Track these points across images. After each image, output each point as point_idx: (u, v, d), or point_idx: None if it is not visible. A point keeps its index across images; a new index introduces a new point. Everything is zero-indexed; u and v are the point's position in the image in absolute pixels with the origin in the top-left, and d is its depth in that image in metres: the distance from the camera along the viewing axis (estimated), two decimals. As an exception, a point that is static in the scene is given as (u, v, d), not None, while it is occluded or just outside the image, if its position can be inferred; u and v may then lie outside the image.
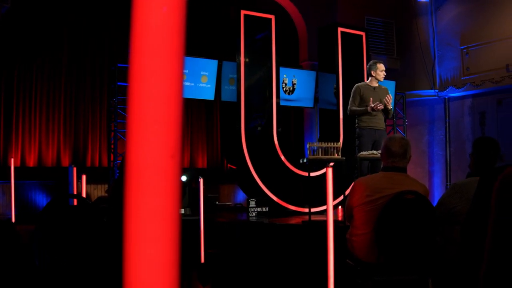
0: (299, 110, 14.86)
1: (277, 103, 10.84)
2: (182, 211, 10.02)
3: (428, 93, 14.51)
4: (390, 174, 4.87)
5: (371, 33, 13.82)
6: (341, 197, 10.08)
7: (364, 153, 8.48)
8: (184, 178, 10.15)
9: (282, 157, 10.69)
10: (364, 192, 4.79)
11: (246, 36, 10.62)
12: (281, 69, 11.47)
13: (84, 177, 8.60)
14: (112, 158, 11.87)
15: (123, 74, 11.57)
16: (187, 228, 9.15)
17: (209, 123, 15.33)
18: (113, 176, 11.62)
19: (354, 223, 4.97)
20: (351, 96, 9.11)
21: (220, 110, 15.32)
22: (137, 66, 0.91)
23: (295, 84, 12.80)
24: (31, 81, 12.95)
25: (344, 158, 8.67)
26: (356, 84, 9.24)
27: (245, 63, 10.53)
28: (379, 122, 8.95)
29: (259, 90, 10.76)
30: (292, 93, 12.79)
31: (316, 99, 13.13)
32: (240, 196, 13.61)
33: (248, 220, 9.27)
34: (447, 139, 14.39)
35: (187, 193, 10.25)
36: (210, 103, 14.46)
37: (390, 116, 9.22)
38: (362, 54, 12.15)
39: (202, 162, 15.17)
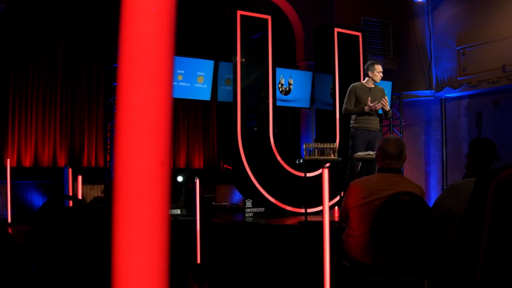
0: (296, 110, 14.85)
1: (274, 104, 10.83)
2: (178, 211, 10.01)
3: (425, 93, 14.51)
4: (386, 175, 4.86)
5: (367, 34, 13.82)
6: (337, 198, 10.06)
7: (360, 153, 8.47)
8: (180, 178, 10.14)
9: (279, 158, 10.68)
10: (360, 193, 4.79)
11: (243, 37, 10.61)
12: (278, 70, 11.47)
13: (80, 178, 8.58)
14: (108, 159, 11.86)
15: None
16: (183, 228, 9.14)
17: (206, 123, 15.32)
18: (109, 177, 11.61)
19: (350, 225, 4.96)
20: (347, 95, 9.08)
21: (216, 111, 15.31)
22: (126, 69, 0.90)
23: (291, 84, 12.79)
24: (27, 81, 12.93)
25: (340, 158, 8.66)
26: (352, 84, 9.21)
27: (242, 63, 10.52)
28: (374, 123, 8.94)
29: (256, 90, 10.75)
30: (288, 93, 12.78)
31: (312, 100, 13.13)
32: (237, 196, 13.59)
33: (244, 220, 9.26)
34: (444, 140, 14.39)
35: (183, 194, 10.24)
36: (206, 104, 14.44)
37: (389, 116, 9.20)
38: (359, 54, 12.15)
39: (198, 162, 15.16)
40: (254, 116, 10.67)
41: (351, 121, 9.03)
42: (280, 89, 12.53)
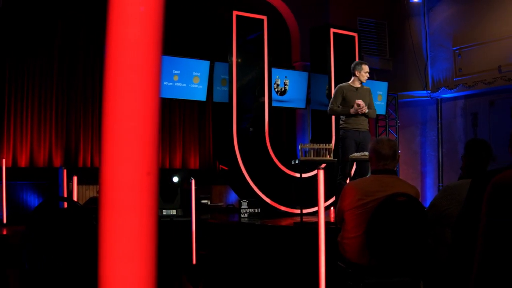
0: (291, 111, 14.84)
1: (269, 104, 10.83)
2: (174, 212, 10.00)
3: (421, 94, 14.52)
4: (381, 177, 4.86)
5: (363, 34, 13.82)
6: (333, 199, 10.07)
7: (356, 154, 8.46)
8: (176, 179, 10.13)
9: (274, 158, 10.67)
10: (355, 196, 4.79)
11: (238, 37, 10.61)
12: (273, 70, 11.45)
13: (75, 178, 8.57)
14: (104, 159, 11.82)
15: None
16: (179, 229, 9.14)
17: (201, 124, 15.30)
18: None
19: (345, 227, 4.96)
20: (333, 96, 9.05)
21: (212, 111, 15.29)
22: (112, 73, 0.89)
23: (287, 85, 12.78)
24: (23, 81, 12.89)
25: (336, 159, 8.65)
26: (339, 85, 9.20)
27: (237, 64, 10.52)
28: (363, 123, 8.91)
29: (251, 91, 10.75)
30: (284, 94, 12.77)
31: (308, 100, 13.12)
32: (232, 197, 13.58)
33: (240, 221, 9.25)
34: (440, 140, 14.40)
35: (179, 194, 10.23)
36: (202, 104, 14.42)
37: (372, 116, 9.16)
38: (355, 55, 12.15)
39: (194, 163, 15.14)
40: (249, 116, 10.66)
41: (341, 122, 9.01)
42: (276, 90, 12.52)
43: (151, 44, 0.92)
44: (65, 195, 9.07)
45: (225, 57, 10.71)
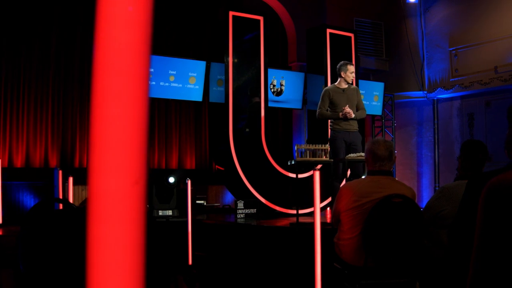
0: (288, 111, 14.85)
1: (266, 105, 10.81)
2: (170, 212, 9.99)
3: (417, 94, 14.53)
4: (377, 178, 4.86)
5: (360, 34, 13.81)
6: (329, 199, 10.06)
7: (352, 155, 8.46)
8: (172, 179, 10.11)
9: (270, 159, 10.66)
10: (351, 197, 4.78)
11: (235, 37, 10.59)
12: (270, 70, 11.44)
13: (71, 179, 8.55)
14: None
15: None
16: (175, 229, 9.12)
17: (197, 124, 15.29)
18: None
19: (341, 228, 4.96)
20: (320, 99, 9.05)
21: (208, 111, 15.28)
22: (100, 74, 0.87)
23: (283, 85, 12.77)
24: (19, 81, 12.86)
25: (332, 160, 8.65)
26: (325, 88, 9.22)
27: (234, 64, 10.50)
28: (353, 124, 8.92)
29: (248, 91, 10.74)
30: (280, 94, 12.76)
31: (304, 101, 13.11)
32: (228, 197, 13.58)
33: (236, 222, 9.24)
34: (436, 141, 14.41)
35: (175, 195, 10.21)
36: (198, 104, 14.41)
37: (361, 117, 9.16)
38: (351, 55, 12.14)
39: (190, 163, 15.13)
40: (246, 117, 10.65)
41: (331, 124, 9.03)
42: (272, 90, 12.50)
43: (140, 45, 0.91)
44: (61, 196, 9.04)
45: (222, 57, 10.69)
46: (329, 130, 10.95)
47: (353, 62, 11.87)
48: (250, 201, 9.89)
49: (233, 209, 10.22)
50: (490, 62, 12.66)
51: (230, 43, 10.51)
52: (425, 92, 14.29)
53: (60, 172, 9.26)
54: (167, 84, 11.12)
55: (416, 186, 14.62)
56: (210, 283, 8.33)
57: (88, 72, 13.60)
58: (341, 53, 11.90)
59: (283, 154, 14.01)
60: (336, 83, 9.12)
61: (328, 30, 11.82)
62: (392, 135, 14.82)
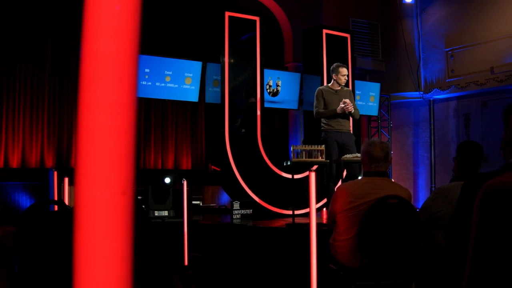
0: (284, 112, 14.85)
1: (262, 105, 10.80)
2: (166, 213, 9.97)
3: (413, 95, 14.53)
4: (373, 179, 4.85)
5: (356, 35, 13.81)
6: (325, 200, 10.05)
7: (348, 156, 8.46)
8: (168, 180, 10.10)
9: (266, 159, 10.65)
10: (347, 198, 4.78)
11: (231, 38, 10.57)
12: (266, 71, 11.42)
13: (66, 180, 8.53)
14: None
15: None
16: (171, 230, 9.11)
17: (194, 124, 15.29)
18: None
19: (337, 229, 4.95)
20: (315, 99, 9.06)
21: (204, 112, 15.28)
22: (87, 76, 0.86)
23: (279, 86, 12.75)
24: (15, 81, 12.86)
25: (328, 161, 8.64)
26: (318, 88, 9.23)
27: (230, 64, 10.48)
28: (345, 124, 8.93)
29: (243, 92, 10.72)
30: (276, 95, 12.74)
31: (300, 101, 13.09)
32: (224, 197, 13.57)
33: (232, 222, 9.22)
34: (432, 141, 14.41)
35: (171, 195, 10.20)
36: (194, 105, 14.43)
37: (357, 117, 9.15)
38: (347, 56, 12.11)
39: (186, 163, 15.13)
40: (241, 117, 10.64)
41: (322, 124, 9.02)
42: (268, 91, 12.49)
43: (128, 44, 0.89)
44: (56, 197, 9.02)
45: (218, 58, 10.67)
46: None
47: (349, 62, 11.86)
48: (246, 201, 9.87)
49: (229, 210, 10.20)
50: (486, 63, 12.66)
51: (226, 44, 10.49)
52: (421, 92, 14.29)
53: (55, 173, 9.23)
54: (163, 84, 11.10)
55: (412, 186, 14.62)
56: (206, 284, 8.32)
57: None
58: (338, 54, 11.89)
59: (279, 154, 14.01)
60: (329, 84, 9.15)
61: (324, 31, 11.80)
62: (388, 135, 14.82)
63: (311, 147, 8.47)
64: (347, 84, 9.50)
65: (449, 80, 13.68)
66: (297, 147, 8.53)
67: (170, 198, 10.17)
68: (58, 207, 5.51)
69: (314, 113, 9.05)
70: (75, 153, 13.19)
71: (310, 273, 5.47)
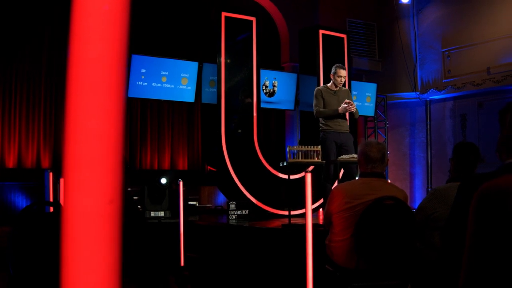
0: (280, 112, 14.84)
1: (258, 105, 10.79)
2: (162, 213, 9.96)
3: (410, 95, 14.53)
4: (369, 180, 4.85)
5: (352, 35, 13.81)
6: (321, 200, 10.04)
7: (344, 156, 8.45)
8: (164, 180, 10.08)
9: (263, 160, 10.64)
10: (343, 199, 4.77)
11: (227, 38, 10.56)
12: (262, 71, 11.41)
13: (62, 181, 8.51)
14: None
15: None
16: (167, 231, 9.10)
17: (190, 125, 15.28)
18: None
19: (333, 230, 4.94)
20: (315, 99, 9.06)
21: (200, 112, 15.27)
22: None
23: (275, 86, 12.74)
24: (11, 82, 12.84)
25: (324, 161, 8.63)
26: (317, 88, 9.24)
27: (226, 65, 10.47)
28: (344, 125, 8.93)
29: (239, 92, 10.71)
30: (272, 95, 12.73)
31: (297, 102, 13.09)
32: (221, 198, 13.56)
33: (228, 223, 9.21)
34: (428, 141, 14.41)
35: (167, 196, 10.18)
36: (190, 105, 14.43)
37: (356, 117, 9.15)
38: (344, 56, 12.11)
39: (182, 164, 15.12)
40: (238, 117, 10.63)
41: (321, 125, 9.02)
42: (265, 91, 12.48)
43: (116, 44, 0.87)
44: (51, 199, 9.01)
45: (214, 58, 10.66)
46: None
47: (346, 63, 11.87)
48: (242, 202, 9.87)
49: (225, 210, 10.20)
50: (482, 63, 12.66)
51: (223, 44, 10.48)
52: (418, 93, 14.29)
53: (51, 174, 9.21)
54: (159, 85, 11.09)
55: (408, 187, 14.62)
56: (202, 285, 8.31)
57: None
58: (334, 54, 11.89)
59: (276, 155, 14.00)
60: (328, 84, 9.14)
61: (321, 31, 11.79)
62: (385, 136, 14.82)
63: (307, 147, 8.47)
64: (344, 84, 9.49)
65: (445, 80, 13.68)
66: (293, 148, 8.52)
67: (166, 198, 10.15)
68: (53, 209, 5.50)
69: (315, 112, 9.04)
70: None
71: (306, 274, 5.46)
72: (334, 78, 9.01)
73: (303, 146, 8.50)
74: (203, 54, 12.66)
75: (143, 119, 14.59)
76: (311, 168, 9.54)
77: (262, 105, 11.54)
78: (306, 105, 12.10)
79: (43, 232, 4.54)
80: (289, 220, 8.34)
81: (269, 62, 13.79)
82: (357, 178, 6.15)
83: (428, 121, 14.40)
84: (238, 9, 11.06)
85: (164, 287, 8.07)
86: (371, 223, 4.65)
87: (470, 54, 13.10)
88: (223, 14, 10.54)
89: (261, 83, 11.83)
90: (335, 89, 9.04)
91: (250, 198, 10.21)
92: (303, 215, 8.59)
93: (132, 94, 10.90)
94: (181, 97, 11.54)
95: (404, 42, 14.44)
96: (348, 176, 8.70)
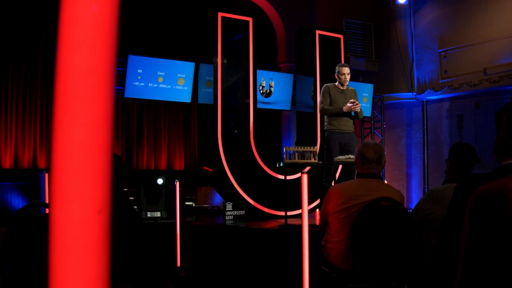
0: (277, 113, 14.83)
1: (254, 106, 10.78)
2: (158, 214, 9.95)
3: (406, 95, 14.53)
4: (366, 180, 4.84)
5: (349, 36, 13.81)
6: (318, 201, 10.04)
7: (341, 157, 8.44)
8: (160, 181, 10.08)
9: (259, 160, 10.63)
10: (339, 199, 4.76)
11: (224, 39, 10.55)
12: (259, 72, 11.41)
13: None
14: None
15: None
16: (163, 231, 9.09)
17: (186, 125, 15.27)
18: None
19: (329, 230, 4.93)
20: (321, 95, 9.04)
21: (197, 113, 15.26)
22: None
23: (272, 86, 12.74)
24: (7, 82, 12.82)
25: (321, 162, 8.63)
26: (325, 84, 9.20)
27: (222, 65, 10.46)
28: (348, 125, 8.91)
29: (236, 92, 10.70)
30: (269, 96, 12.73)
31: (293, 102, 13.09)
32: (217, 198, 13.55)
33: (224, 224, 9.21)
34: (425, 142, 14.42)
35: (163, 196, 10.18)
36: (187, 106, 14.42)
37: (361, 117, 9.15)
38: (340, 56, 12.11)
39: (179, 164, 15.11)
40: (234, 118, 10.62)
41: (325, 124, 9.01)
42: (261, 92, 12.48)
43: (105, 44, 0.86)
44: (47, 200, 8.99)
45: (210, 58, 10.66)
46: (318, 132, 10.98)
47: (342, 63, 11.87)
48: (239, 203, 9.87)
49: (222, 211, 10.19)
50: (479, 64, 12.66)
51: (219, 44, 10.47)
52: (415, 93, 14.29)
53: (47, 174, 9.20)
54: (155, 85, 11.09)
55: (405, 187, 14.63)
56: (198, 285, 8.30)
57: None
58: (331, 55, 11.89)
59: (272, 155, 14.00)
60: (336, 83, 9.13)
61: (317, 31, 11.79)
62: (382, 136, 14.82)
63: (303, 148, 8.46)
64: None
65: (442, 81, 13.68)
66: (289, 148, 8.52)
67: (163, 199, 10.15)
68: (49, 210, 5.48)
69: (319, 109, 9.04)
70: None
71: (302, 275, 5.46)
72: (339, 77, 9.00)
73: (299, 147, 8.50)
74: (200, 55, 12.64)
75: (139, 120, 14.58)
76: (307, 168, 9.54)
77: (259, 106, 11.54)
78: (303, 105, 12.10)
79: (38, 233, 4.52)
80: (286, 221, 8.33)
81: (265, 62, 13.78)
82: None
83: (425, 121, 14.40)
84: (235, 9, 11.07)
85: (160, 287, 8.05)
86: (367, 224, 4.64)
87: (467, 55, 13.10)
88: (220, 14, 10.54)
89: (258, 84, 11.83)
90: (342, 88, 9.04)
91: (247, 198, 10.20)
92: (299, 216, 8.60)
93: (129, 94, 10.89)
94: (177, 98, 11.54)
95: (401, 43, 14.44)
96: (347, 177, 8.69)
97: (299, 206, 9.11)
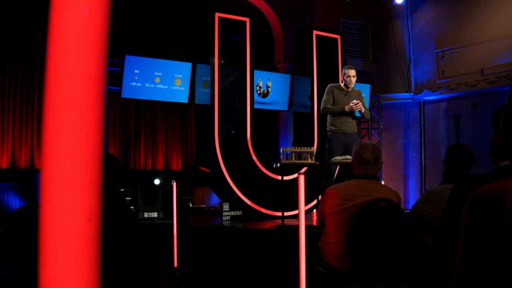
0: (274, 113, 14.83)
1: (251, 106, 10.77)
2: (155, 214, 9.94)
3: (404, 96, 14.53)
4: (362, 181, 4.84)
5: (346, 36, 13.81)
6: (315, 202, 10.03)
7: (338, 158, 8.44)
8: (157, 181, 10.07)
9: (256, 161, 10.63)
10: (336, 200, 4.75)
11: (221, 39, 10.54)
12: (256, 72, 11.40)
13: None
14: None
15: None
16: (160, 231, 9.08)
17: (183, 125, 15.25)
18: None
19: (326, 231, 4.93)
20: (325, 94, 9.07)
21: (194, 113, 15.25)
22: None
23: (269, 87, 12.75)
24: (4, 81, 12.79)
25: (318, 163, 8.63)
26: (330, 84, 9.21)
27: (219, 65, 10.45)
28: (351, 125, 8.92)
29: (233, 93, 10.69)
30: (266, 96, 12.73)
31: (290, 102, 13.09)
32: (214, 198, 13.54)
33: (221, 224, 9.20)
34: (422, 142, 14.42)
35: (161, 196, 10.17)
36: (184, 106, 14.40)
37: (367, 117, 9.18)
38: (337, 57, 12.11)
39: (176, 164, 15.09)
40: (231, 118, 10.61)
41: (328, 124, 9.01)
42: (258, 92, 12.48)
43: (95, 45, 0.85)
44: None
45: (207, 59, 10.64)
46: (315, 132, 10.98)
47: (339, 63, 11.87)
48: (236, 203, 9.86)
49: (219, 211, 10.18)
50: (476, 64, 12.67)
51: (216, 45, 10.46)
52: (412, 93, 14.30)
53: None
54: (152, 85, 11.09)
55: (402, 187, 14.63)
56: (195, 286, 8.29)
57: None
58: (328, 55, 11.89)
59: (269, 156, 14.00)
60: (341, 83, 9.15)
61: (315, 32, 11.79)
62: (379, 136, 14.83)
63: (300, 148, 8.46)
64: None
65: (439, 81, 13.69)
66: (286, 149, 8.51)
67: (160, 199, 10.14)
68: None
69: (321, 108, 9.05)
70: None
71: (299, 276, 5.45)
72: (344, 79, 9.04)
73: (296, 147, 8.50)
74: (197, 55, 12.63)
75: (136, 120, 14.56)
76: (304, 169, 9.53)
77: (256, 106, 11.53)
78: (300, 105, 12.10)
79: (35, 234, 4.51)
80: (283, 221, 8.32)
81: (262, 62, 13.77)
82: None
83: (422, 122, 14.41)
84: (232, 9, 11.05)
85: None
86: (364, 225, 4.64)
87: (464, 55, 13.11)
88: (217, 14, 10.53)
89: (255, 84, 11.82)
90: (347, 90, 9.05)
91: (244, 199, 10.20)
92: (296, 216, 8.59)
93: (126, 94, 10.89)
94: (174, 98, 11.54)
95: (398, 43, 14.44)
96: (348, 177, 8.68)
97: (296, 206, 9.11)
